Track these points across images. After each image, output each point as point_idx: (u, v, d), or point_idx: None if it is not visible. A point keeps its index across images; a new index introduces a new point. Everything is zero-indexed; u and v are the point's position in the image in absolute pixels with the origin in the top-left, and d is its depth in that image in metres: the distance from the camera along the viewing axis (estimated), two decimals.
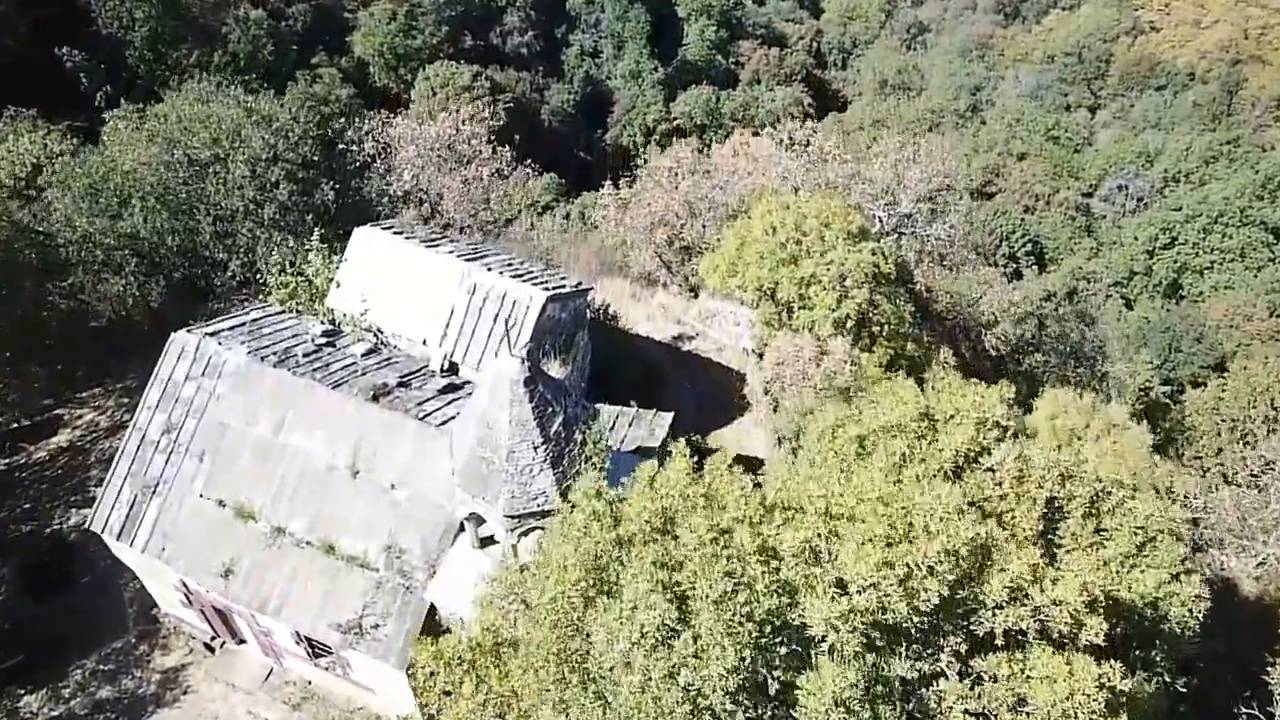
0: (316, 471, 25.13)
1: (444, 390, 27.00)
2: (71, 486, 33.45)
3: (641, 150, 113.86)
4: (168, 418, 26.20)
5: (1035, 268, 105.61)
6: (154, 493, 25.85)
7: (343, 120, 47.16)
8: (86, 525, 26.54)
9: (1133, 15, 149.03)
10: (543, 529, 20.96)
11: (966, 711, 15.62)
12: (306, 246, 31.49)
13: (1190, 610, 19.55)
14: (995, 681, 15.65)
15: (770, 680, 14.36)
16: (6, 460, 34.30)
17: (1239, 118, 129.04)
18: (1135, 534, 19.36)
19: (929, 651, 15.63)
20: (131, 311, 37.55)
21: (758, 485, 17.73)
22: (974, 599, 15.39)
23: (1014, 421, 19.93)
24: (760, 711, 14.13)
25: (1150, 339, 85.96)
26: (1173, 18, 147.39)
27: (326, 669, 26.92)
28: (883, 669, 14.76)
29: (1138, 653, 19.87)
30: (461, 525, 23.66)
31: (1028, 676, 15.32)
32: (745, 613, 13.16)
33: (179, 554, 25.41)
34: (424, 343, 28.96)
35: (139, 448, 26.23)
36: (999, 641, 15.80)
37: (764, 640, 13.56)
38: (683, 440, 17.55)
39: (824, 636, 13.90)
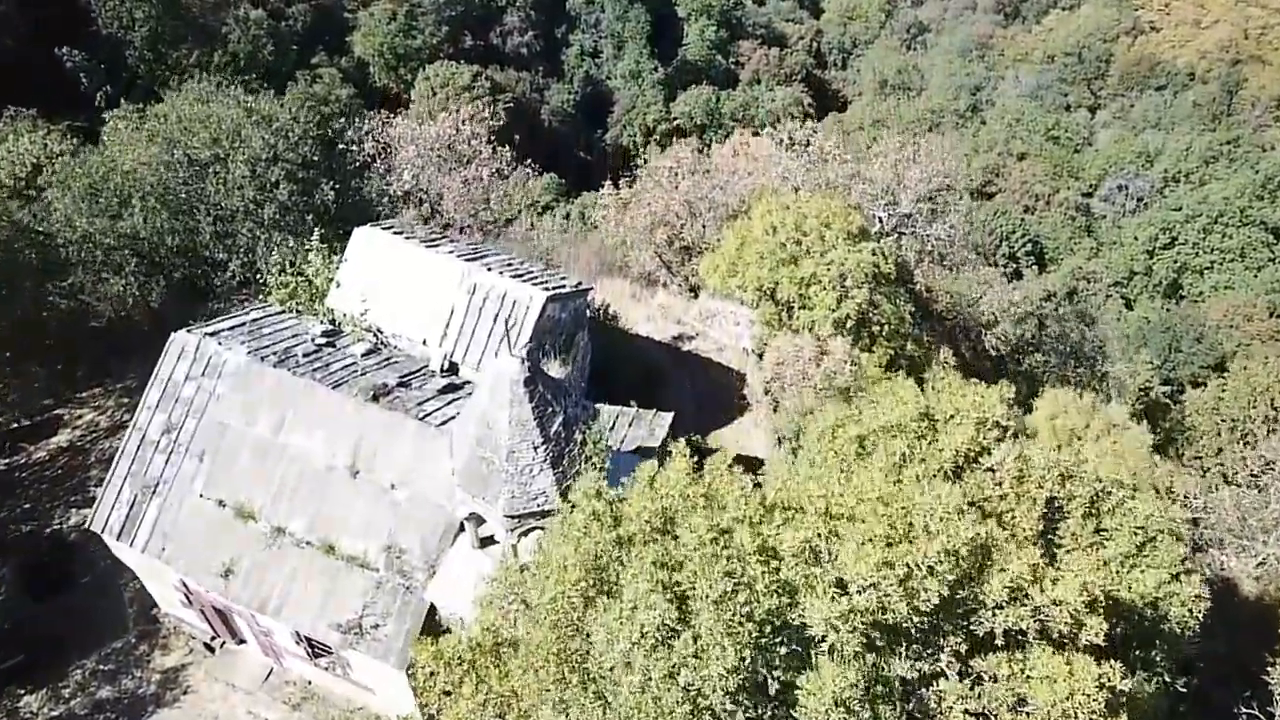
0: (316, 471, 25.13)
1: (444, 390, 27.00)
2: (71, 486, 33.44)
3: (641, 150, 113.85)
4: (168, 418, 26.19)
5: (1035, 268, 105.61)
6: (154, 493, 25.84)
7: (343, 120, 47.14)
8: (86, 525, 26.54)
9: (1133, 15, 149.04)
10: (543, 529, 20.95)
11: (966, 711, 15.61)
12: (306, 246, 31.47)
13: (1190, 610, 19.54)
14: (995, 682, 15.64)
15: (770, 680, 14.36)
16: (6, 460, 34.30)
17: (1239, 118, 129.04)
18: (1135, 534, 19.34)
19: (929, 651, 15.62)
20: (131, 311, 37.53)
21: (758, 485, 17.73)
22: (974, 599, 15.38)
23: (1014, 421, 19.92)
24: (760, 711, 14.13)
25: (1150, 339, 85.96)
26: (1173, 18, 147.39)
27: (326, 669, 26.91)
28: (883, 669, 14.76)
29: (1138, 653, 19.86)
30: (461, 525, 23.66)
31: (1028, 676, 15.31)
32: (745, 613, 13.15)
33: (179, 554, 25.40)
34: (424, 343, 28.96)
35: (139, 448, 26.23)
36: (999, 641, 15.79)
37: (764, 640, 13.56)
38: (683, 440, 17.54)
39: (824, 636, 13.89)
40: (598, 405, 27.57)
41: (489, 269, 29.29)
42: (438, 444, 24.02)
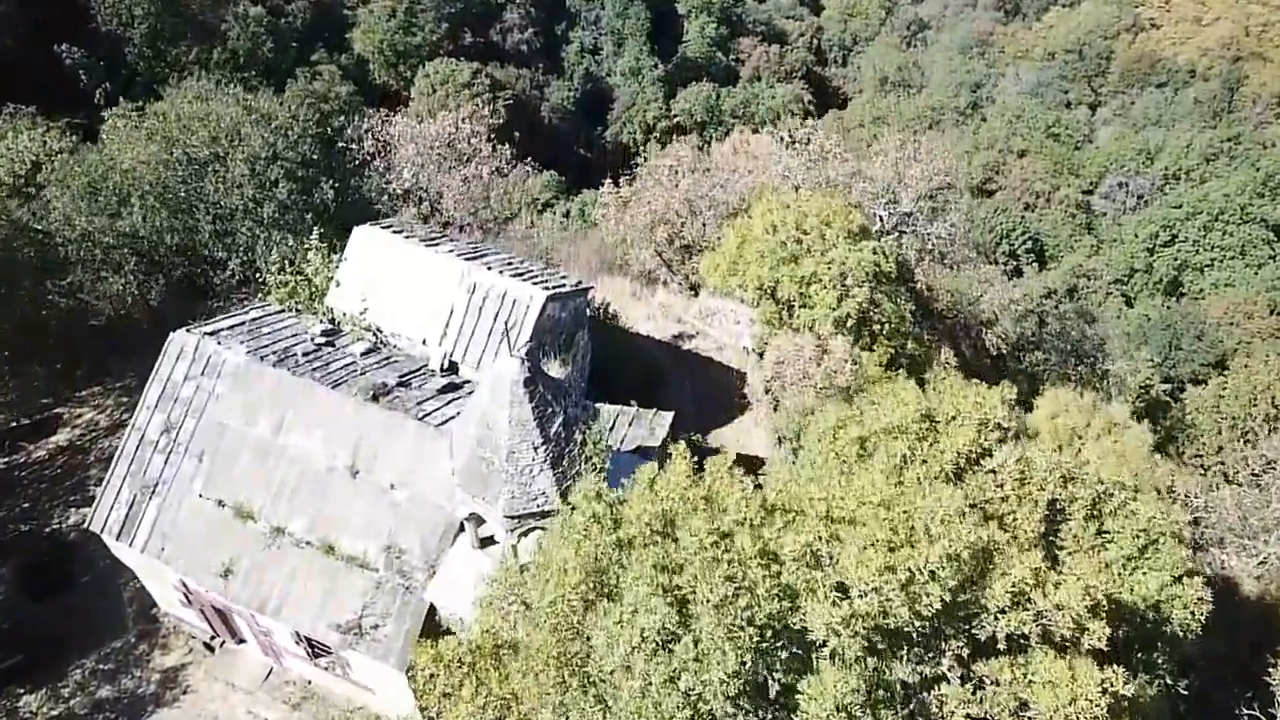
0: (316, 471, 25.09)
1: (444, 390, 26.95)
2: (71, 486, 33.41)
3: (641, 148, 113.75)
4: (167, 417, 26.15)
5: (1035, 265, 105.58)
6: (153, 493, 25.82)
7: (342, 118, 47.02)
8: (86, 525, 26.51)
9: (1133, 12, 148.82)
10: (543, 529, 20.91)
11: (969, 716, 15.54)
12: (306, 245, 31.42)
13: (1193, 613, 19.48)
14: (997, 686, 15.57)
15: (771, 682, 14.32)
16: (6, 459, 34.25)
17: (1240, 115, 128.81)
18: (1137, 536, 19.27)
19: (930, 655, 15.56)
20: (131, 310, 37.49)
21: (758, 486, 17.67)
22: (976, 603, 15.32)
23: (1015, 422, 19.85)
24: (761, 716, 14.08)
25: (1151, 336, 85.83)
26: (1173, 14, 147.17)
27: (326, 669, 26.88)
28: (884, 673, 14.70)
29: (1139, 655, 19.81)
30: (461, 525, 23.62)
31: (1030, 681, 15.25)
32: (746, 617, 13.10)
33: (178, 554, 25.38)
34: (424, 342, 28.91)
35: (138, 448, 26.20)
36: (1001, 646, 15.72)
37: (765, 645, 13.50)
38: (683, 442, 17.46)
39: (825, 641, 13.83)
40: (598, 405, 27.53)
41: (489, 268, 29.23)
42: (437, 444, 23.97)
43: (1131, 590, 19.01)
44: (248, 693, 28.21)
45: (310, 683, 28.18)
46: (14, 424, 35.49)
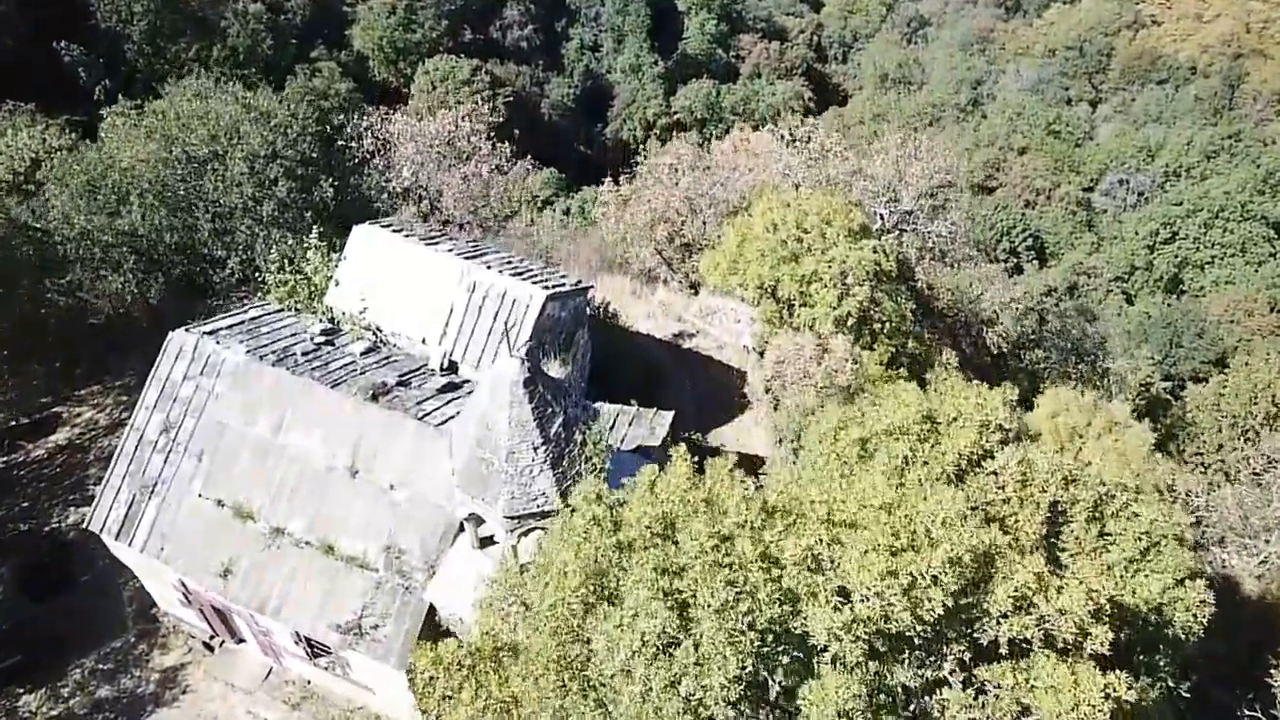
0: (315, 471, 25.05)
1: (443, 389, 26.89)
2: (70, 485, 33.40)
3: (641, 145, 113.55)
4: (166, 417, 26.11)
5: (1036, 262, 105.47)
6: (152, 492, 25.79)
7: (342, 116, 46.93)
8: (85, 524, 26.47)
9: (1134, 9, 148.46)
10: (543, 529, 20.87)
11: None
12: (305, 244, 31.34)
13: (1195, 616, 19.41)
14: (999, 690, 15.49)
15: (772, 683, 14.26)
16: (5, 458, 34.22)
17: (1240, 112, 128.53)
18: (1140, 539, 19.20)
19: (932, 659, 15.50)
20: (130, 309, 37.46)
21: (759, 487, 17.62)
22: (978, 607, 15.25)
23: (1016, 424, 19.79)
24: None
25: (1151, 334, 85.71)
26: (1174, 11, 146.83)
27: (326, 669, 26.86)
28: (885, 677, 14.64)
29: (1141, 658, 19.76)
30: (461, 525, 23.57)
31: (1032, 686, 15.19)
32: (747, 622, 13.04)
33: (178, 554, 25.35)
34: (423, 341, 28.85)
35: (137, 447, 26.17)
36: (1003, 650, 15.65)
37: (766, 649, 13.44)
38: (683, 445, 17.38)
39: (826, 646, 13.77)
40: (598, 404, 27.49)
41: (488, 267, 29.17)
42: (437, 444, 23.92)
43: (1134, 593, 18.94)
44: (247, 692, 28.20)
45: (310, 682, 28.17)
46: (13, 423, 35.48)
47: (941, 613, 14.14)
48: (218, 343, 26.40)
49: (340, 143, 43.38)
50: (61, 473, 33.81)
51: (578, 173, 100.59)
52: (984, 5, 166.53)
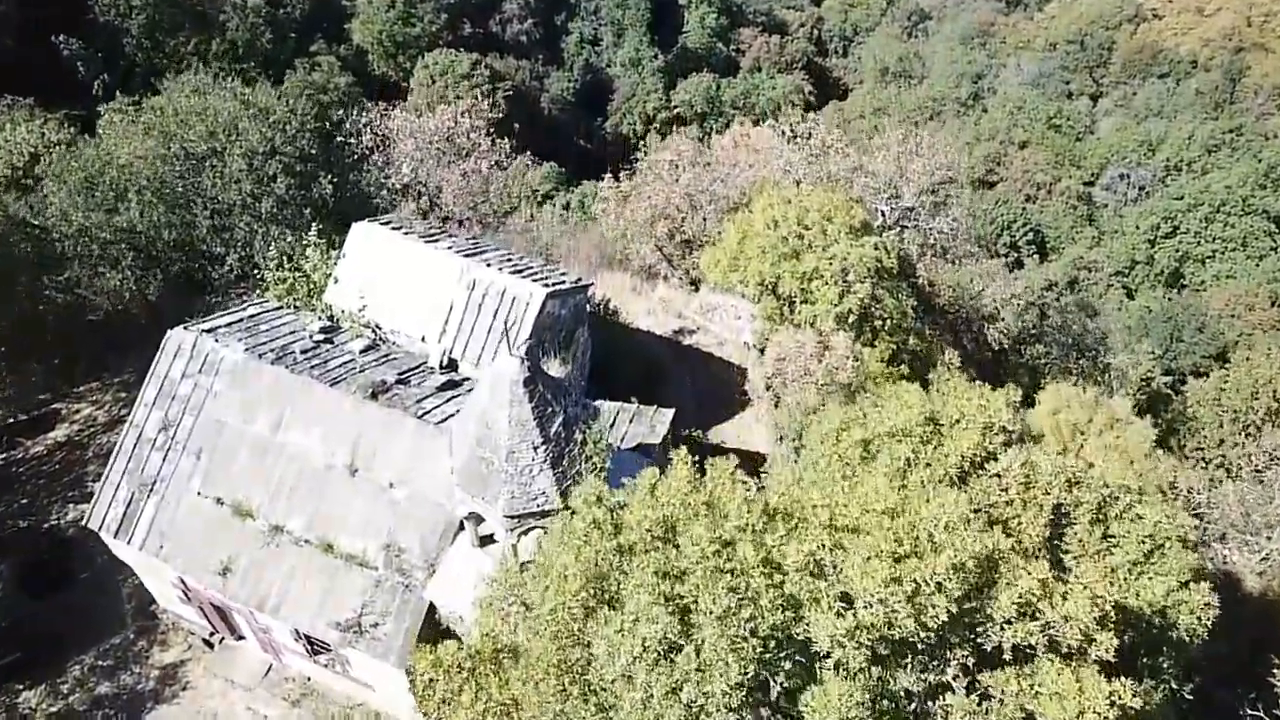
0: (314, 469, 24.99)
1: (443, 387, 26.82)
2: (69, 481, 33.37)
3: (641, 139, 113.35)
4: (164, 415, 26.04)
5: (1036, 257, 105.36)
6: (151, 491, 25.74)
7: (341, 111, 46.81)
8: (84, 522, 26.42)
9: (1135, 3, 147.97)
10: (543, 529, 20.80)
11: None
12: (304, 241, 31.25)
13: (1199, 618, 19.34)
14: (1003, 696, 15.39)
15: (773, 685, 14.19)
16: (4, 455, 34.19)
17: (1242, 106, 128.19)
18: (1143, 541, 19.11)
19: (935, 664, 15.41)
20: (129, 305, 37.38)
21: (760, 488, 17.53)
22: (982, 612, 15.15)
23: (1019, 425, 19.70)
24: None
25: (1152, 329, 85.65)
26: (1175, 5, 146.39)
27: (325, 666, 26.82)
28: (888, 682, 14.56)
29: (1145, 661, 19.68)
30: (461, 524, 23.50)
31: (1036, 693, 15.10)
32: (749, 628, 12.95)
33: (177, 552, 25.32)
34: (423, 339, 28.76)
35: (136, 445, 26.13)
36: (1007, 656, 15.56)
37: (768, 655, 13.36)
38: (684, 448, 17.27)
39: (829, 652, 13.68)
40: (598, 402, 27.42)
41: (488, 265, 29.08)
42: (437, 442, 23.86)
43: (1138, 596, 18.84)
44: (247, 689, 28.20)
45: (309, 679, 28.16)
46: (12, 420, 35.45)
47: (945, 619, 14.05)
48: (216, 340, 26.33)
49: (339, 139, 43.27)
50: (60, 470, 33.77)
51: (577, 167, 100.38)
52: None
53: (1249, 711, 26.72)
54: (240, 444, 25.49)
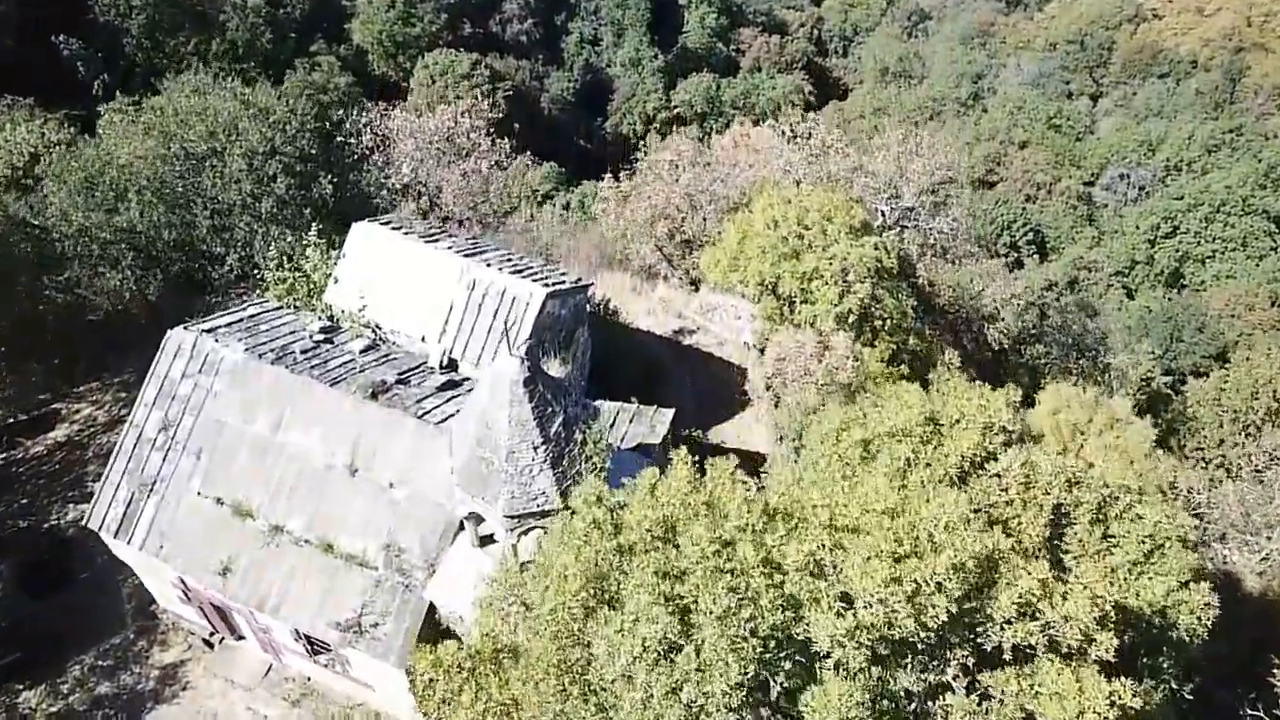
0: (314, 469, 24.99)
1: (443, 387, 26.82)
2: (69, 481, 33.37)
3: (641, 139, 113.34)
4: (164, 415, 26.04)
5: (1036, 257, 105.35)
6: (151, 491, 25.73)
7: (341, 111, 46.81)
8: (84, 522, 26.42)
9: (1135, 2, 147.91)
10: (543, 529, 20.80)
11: None
12: (304, 241, 31.25)
13: (1199, 618, 19.34)
14: (1003, 696, 15.39)
15: (773, 685, 14.19)
16: (4, 455, 34.18)
17: (1242, 106, 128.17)
18: (1143, 541, 19.11)
19: (935, 664, 15.41)
20: (129, 305, 37.38)
21: (761, 488, 17.52)
22: (982, 611, 15.15)
23: (1019, 425, 19.70)
24: None
25: (1152, 328, 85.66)
26: (1175, 5, 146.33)
27: (325, 666, 26.82)
28: (888, 682, 14.55)
29: (1145, 661, 19.68)
30: (461, 524, 23.50)
31: (1036, 693, 15.09)
32: (749, 628, 12.95)
33: (177, 552, 25.31)
34: (423, 339, 28.76)
35: (136, 445, 26.12)
36: (1007, 656, 15.56)
37: (768, 655, 13.36)
38: (684, 448, 17.26)
39: (829, 652, 13.68)
40: (598, 402, 27.42)
41: (488, 265, 29.08)
42: (437, 442, 23.86)
43: (1138, 596, 18.85)
44: (247, 689, 28.20)
45: (309, 679, 28.16)
46: (12, 420, 35.43)
47: (945, 619, 14.04)
48: (216, 341, 26.33)
49: (339, 139, 43.26)
50: (60, 470, 33.77)
51: (577, 167, 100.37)
52: None
53: (1249, 711, 26.72)
54: (240, 444, 25.48)
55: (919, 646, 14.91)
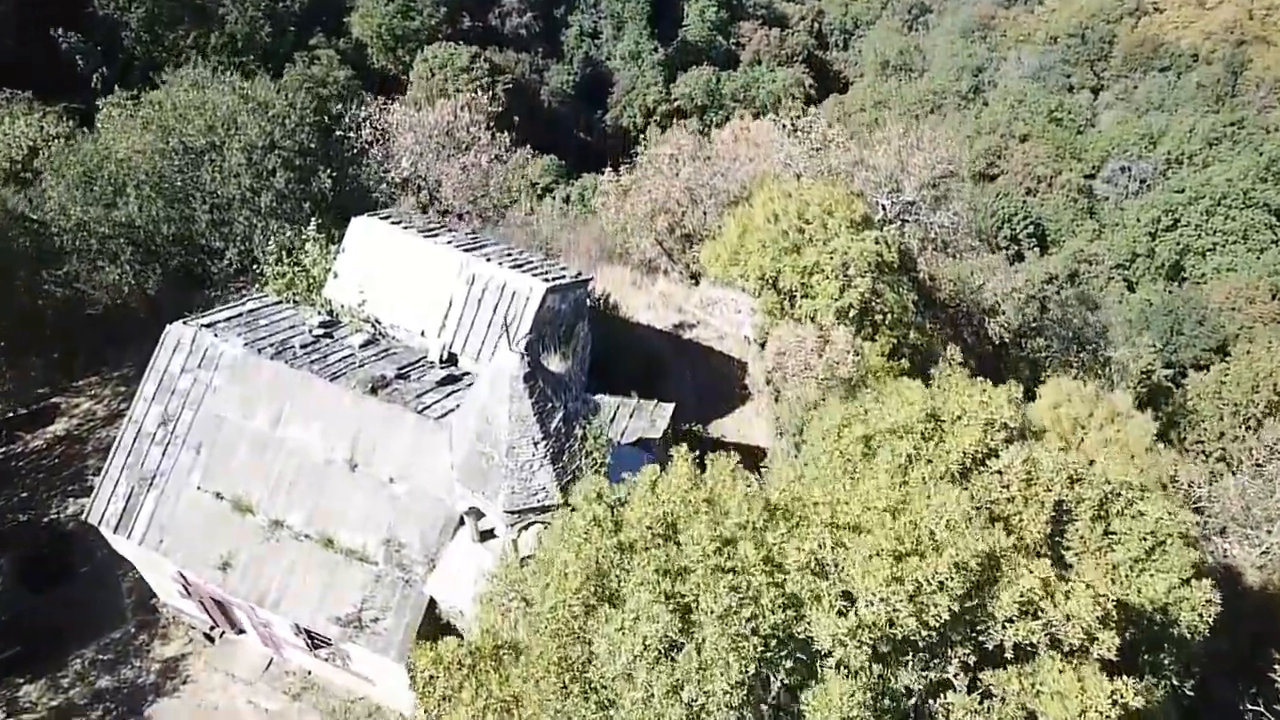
0: (314, 464, 24.94)
1: (443, 382, 26.75)
2: (69, 476, 33.30)
3: (641, 132, 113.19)
4: (164, 410, 25.97)
5: (1037, 250, 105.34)
6: (151, 485, 25.68)
7: (340, 105, 46.70)
8: (84, 516, 26.39)
9: None
10: (543, 524, 20.78)
11: None
12: (303, 235, 31.18)
13: (1200, 615, 19.32)
14: (1005, 694, 15.36)
15: (774, 684, 14.16)
16: (4, 449, 34.13)
17: (1243, 99, 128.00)
18: (1145, 538, 19.08)
19: (936, 662, 15.38)
20: (128, 300, 37.34)
21: (761, 485, 17.47)
22: (983, 610, 15.11)
23: (1020, 421, 19.64)
24: None
25: (1152, 321, 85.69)
26: None
27: (326, 660, 26.82)
28: (889, 681, 14.53)
29: (1146, 657, 19.67)
30: (461, 519, 23.48)
31: (1038, 691, 15.07)
32: (750, 627, 12.92)
33: (177, 546, 25.27)
34: (422, 334, 28.70)
35: (135, 439, 26.05)
36: (1008, 654, 15.53)
37: (769, 654, 13.33)
38: (684, 445, 17.22)
39: (830, 651, 13.65)
40: (598, 396, 27.39)
41: (488, 259, 29.01)
42: (437, 437, 23.83)
43: (1139, 593, 18.82)
44: (248, 683, 28.20)
45: (310, 673, 28.17)
46: (11, 414, 35.37)
47: (947, 617, 14.00)
48: (216, 335, 26.26)
49: (339, 133, 43.16)
50: (60, 464, 33.72)
51: (577, 160, 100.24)
52: None
53: (1249, 707, 26.73)
54: (240, 439, 25.44)
55: (920, 645, 14.88)
